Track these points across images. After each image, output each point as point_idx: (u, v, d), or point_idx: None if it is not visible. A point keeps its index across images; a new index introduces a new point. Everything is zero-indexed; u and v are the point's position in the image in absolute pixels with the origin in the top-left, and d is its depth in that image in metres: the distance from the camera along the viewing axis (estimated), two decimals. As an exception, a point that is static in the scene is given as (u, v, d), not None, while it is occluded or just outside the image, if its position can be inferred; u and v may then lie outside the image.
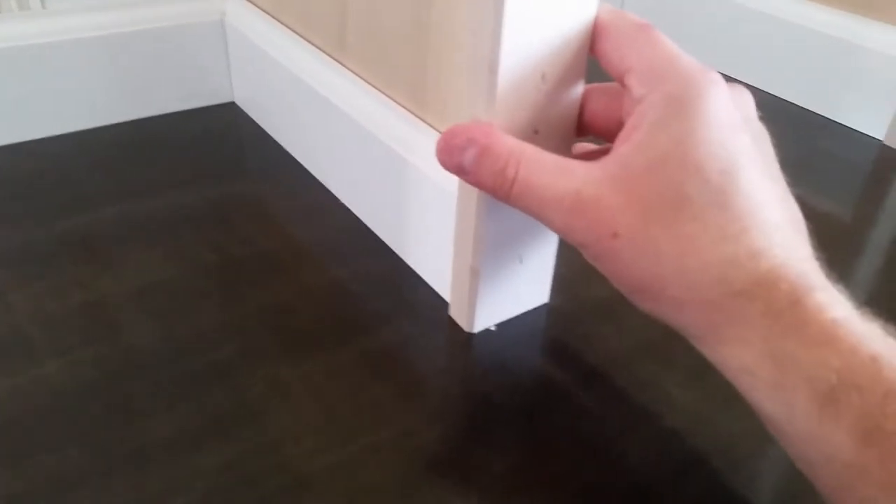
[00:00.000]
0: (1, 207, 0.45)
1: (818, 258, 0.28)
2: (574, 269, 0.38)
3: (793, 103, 0.68)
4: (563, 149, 0.34)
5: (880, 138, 0.62)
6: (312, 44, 0.49)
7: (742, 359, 0.26)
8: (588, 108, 0.33)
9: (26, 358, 0.34)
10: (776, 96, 0.69)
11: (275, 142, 0.54)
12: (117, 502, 0.28)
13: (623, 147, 0.28)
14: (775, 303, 0.25)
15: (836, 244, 0.49)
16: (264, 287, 0.40)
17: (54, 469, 0.29)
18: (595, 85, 0.33)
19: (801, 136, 0.63)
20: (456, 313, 0.38)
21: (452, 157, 0.31)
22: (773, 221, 0.27)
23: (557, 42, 0.30)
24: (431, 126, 0.39)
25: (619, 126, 0.29)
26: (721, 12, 0.73)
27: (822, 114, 0.66)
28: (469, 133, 0.30)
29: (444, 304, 0.39)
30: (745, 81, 0.70)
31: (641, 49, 0.29)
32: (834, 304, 0.25)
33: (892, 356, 0.24)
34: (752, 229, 0.26)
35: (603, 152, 0.30)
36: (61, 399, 0.32)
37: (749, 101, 0.30)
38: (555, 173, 0.29)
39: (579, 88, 0.32)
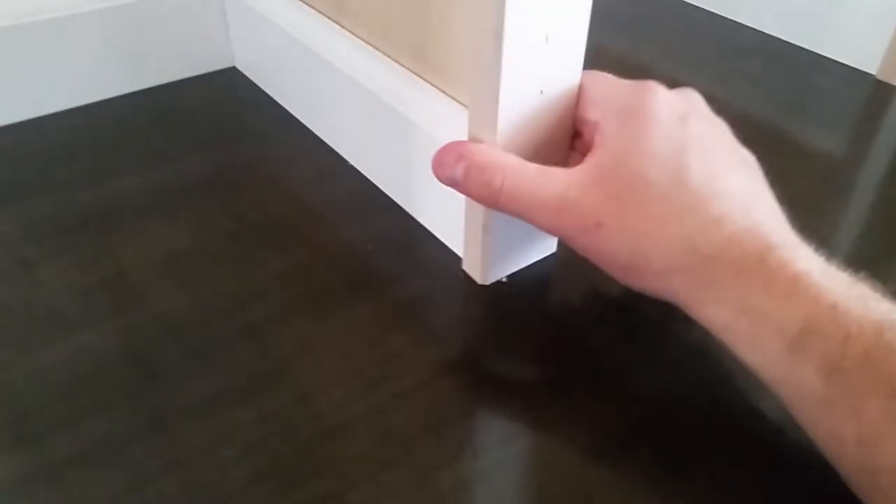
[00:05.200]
0: (19, 184, 0.46)
1: (784, 213, 0.31)
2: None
3: (785, 41, 0.69)
4: (568, 109, 0.35)
5: (873, 73, 0.63)
6: (310, 6, 0.49)
7: (721, 318, 0.29)
8: None
9: (64, 329, 0.36)
10: (768, 34, 0.70)
11: (279, 105, 0.55)
12: (168, 457, 0.30)
13: (592, 156, 0.32)
14: (743, 263, 0.29)
15: (829, 180, 0.50)
16: (281, 250, 0.42)
17: (105, 431, 0.31)
18: None
19: (792, 74, 0.64)
20: (469, 267, 0.40)
21: (445, 170, 0.34)
22: (728, 189, 0.30)
23: (561, 2, 0.31)
24: (434, 85, 0.40)
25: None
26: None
27: (815, 50, 0.67)
28: (458, 149, 0.34)
29: (456, 259, 0.41)
30: (738, 21, 0.70)
31: (594, 87, 0.35)
32: (796, 258, 0.28)
33: (850, 303, 0.27)
34: (709, 199, 0.30)
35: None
36: (102, 366, 0.34)
37: (696, 98, 0.34)
38: (538, 181, 0.33)
39: (582, 49, 0.33)
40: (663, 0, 0.77)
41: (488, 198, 0.33)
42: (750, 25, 0.71)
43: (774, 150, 0.53)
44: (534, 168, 0.33)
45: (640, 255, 0.31)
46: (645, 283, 0.32)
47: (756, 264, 0.28)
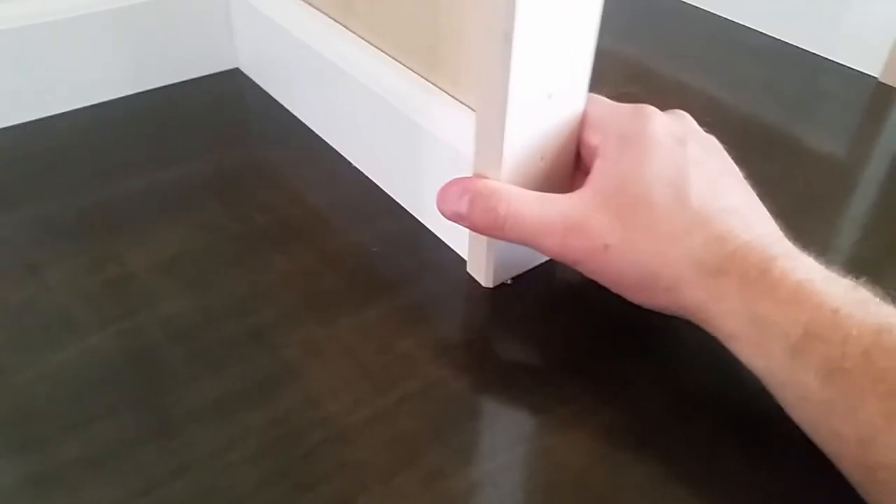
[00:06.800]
0: (24, 185, 0.46)
1: (784, 219, 0.33)
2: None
3: (789, 43, 0.69)
4: (576, 115, 0.35)
5: (876, 75, 0.63)
6: (317, 8, 0.49)
7: (729, 328, 0.30)
8: None
9: (71, 332, 0.36)
10: (772, 37, 0.70)
11: (282, 107, 0.55)
12: (176, 460, 0.30)
13: (592, 180, 0.33)
14: (747, 275, 0.30)
15: (832, 182, 0.50)
16: (288, 252, 0.42)
17: (113, 434, 0.31)
18: None
19: (796, 76, 0.64)
20: (474, 270, 0.40)
21: (450, 205, 0.35)
22: (728, 207, 0.32)
23: (571, 5, 0.31)
24: (441, 88, 0.40)
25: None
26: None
27: (819, 53, 0.67)
28: (462, 184, 0.35)
29: (460, 262, 0.41)
30: (742, 23, 0.70)
31: (594, 112, 0.36)
32: (797, 267, 0.29)
33: (850, 308, 0.27)
34: (712, 217, 0.31)
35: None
36: (110, 369, 0.34)
37: (688, 120, 0.36)
38: (541, 204, 0.34)
39: (591, 52, 0.34)
40: (669, 3, 0.77)
41: (493, 225, 0.34)
42: (754, 28, 0.71)
43: (778, 151, 0.54)
44: (534, 194, 0.34)
45: (650, 274, 0.32)
46: (655, 301, 0.33)
47: (760, 275, 0.29)
